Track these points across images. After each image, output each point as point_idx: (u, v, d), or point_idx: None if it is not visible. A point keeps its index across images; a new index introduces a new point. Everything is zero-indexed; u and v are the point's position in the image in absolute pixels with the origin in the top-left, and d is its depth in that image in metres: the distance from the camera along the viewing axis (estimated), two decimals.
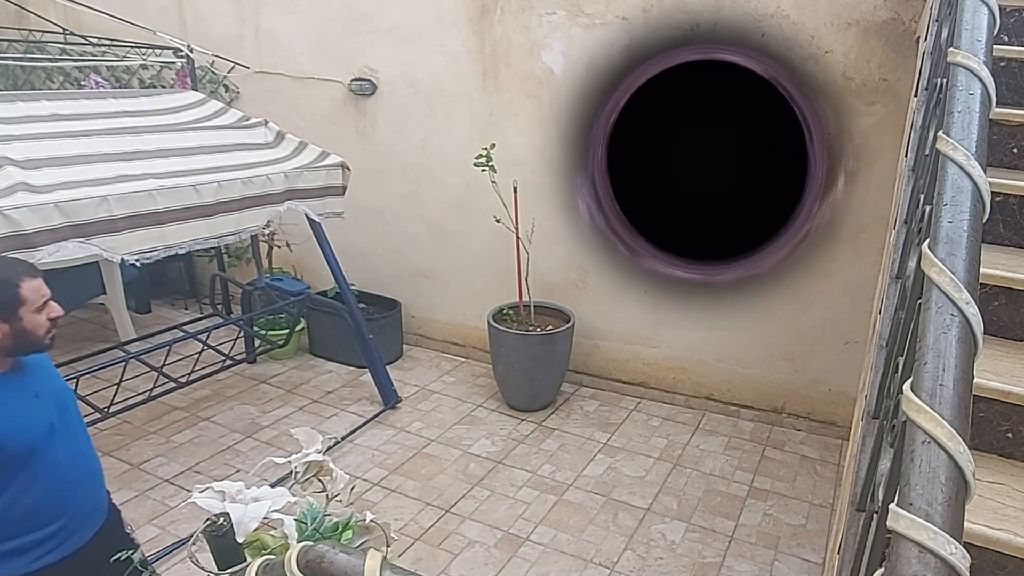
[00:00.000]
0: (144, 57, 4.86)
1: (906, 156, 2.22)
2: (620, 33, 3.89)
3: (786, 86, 3.66)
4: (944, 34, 1.83)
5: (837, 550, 1.53)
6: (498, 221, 4.14)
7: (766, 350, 4.08)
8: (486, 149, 3.92)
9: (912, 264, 1.33)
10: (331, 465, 1.25)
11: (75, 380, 3.17)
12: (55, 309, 1.74)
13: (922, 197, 1.60)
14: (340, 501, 1.24)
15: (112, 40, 4.99)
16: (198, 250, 4.08)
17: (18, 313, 1.66)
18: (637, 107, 4.05)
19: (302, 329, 4.82)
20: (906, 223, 1.86)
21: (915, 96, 2.41)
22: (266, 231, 4.22)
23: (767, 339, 4.06)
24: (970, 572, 0.71)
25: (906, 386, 0.88)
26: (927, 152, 1.73)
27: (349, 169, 3.87)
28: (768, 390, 4.14)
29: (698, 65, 3.83)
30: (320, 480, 1.25)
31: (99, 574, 1.77)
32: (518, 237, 4.18)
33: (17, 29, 5.63)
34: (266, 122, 3.84)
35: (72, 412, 1.87)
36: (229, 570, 1.10)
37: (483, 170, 3.90)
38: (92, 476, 1.90)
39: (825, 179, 3.71)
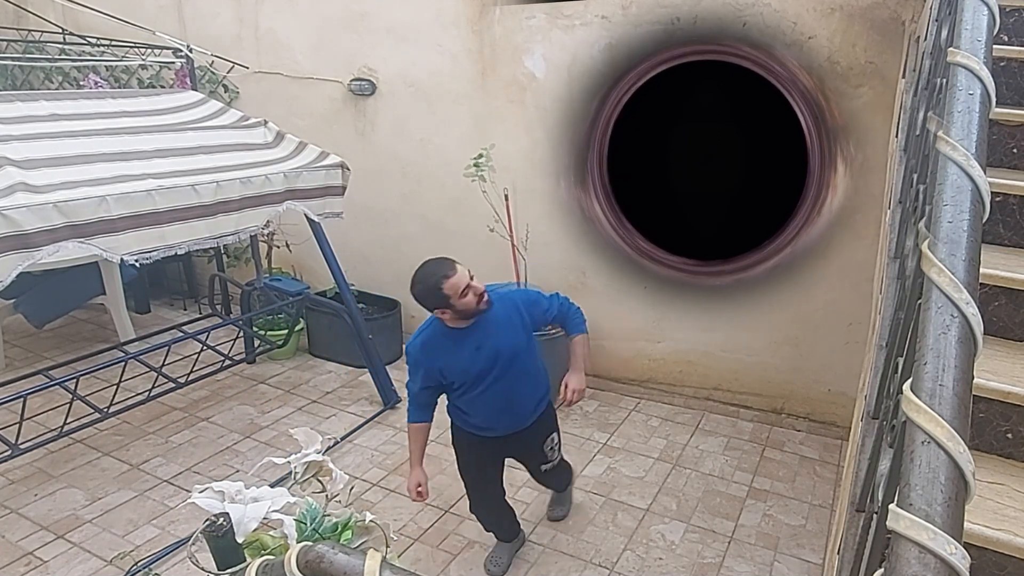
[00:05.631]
0: (143, 57, 4.86)
1: (897, 136, 2.22)
2: (601, 32, 3.89)
3: (773, 76, 3.66)
4: (944, 34, 1.83)
5: (837, 550, 1.53)
6: (491, 230, 4.14)
7: (770, 337, 4.07)
8: (476, 157, 3.89)
9: (909, 244, 1.33)
10: (330, 465, 1.25)
11: (75, 380, 3.18)
12: (477, 287, 2.36)
13: (915, 177, 1.60)
14: (339, 501, 1.24)
15: (111, 40, 4.99)
16: (197, 250, 4.09)
17: (450, 303, 2.32)
18: (631, 108, 4.05)
19: (301, 329, 4.82)
20: (901, 202, 1.86)
21: (903, 77, 2.41)
22: (265, 231, 4.22)
23: (771, 326, 4.05)
24: (970, 572, 0.71)
25: (906, 386, 0.88)
26: (918, 132, 1.73)
27: (349, 169, 3.86)
28: (775, 378, 4.13)
29: (688, 66, 3.83)
30: (319, 480, 1.25)
31: (520, 447, 2.76)
32: (513, 244, 4.17)
33: (16, 29, 5.62)
34: (265, 122, 3.84)
35: (506, 363, 2.49)
36: (229, 570, 1.10)
37: (473, 180, 3.87)
38: (518, 406, 2.61)
39: (822, 167, 3.71)
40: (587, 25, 3.91)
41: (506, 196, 4.10)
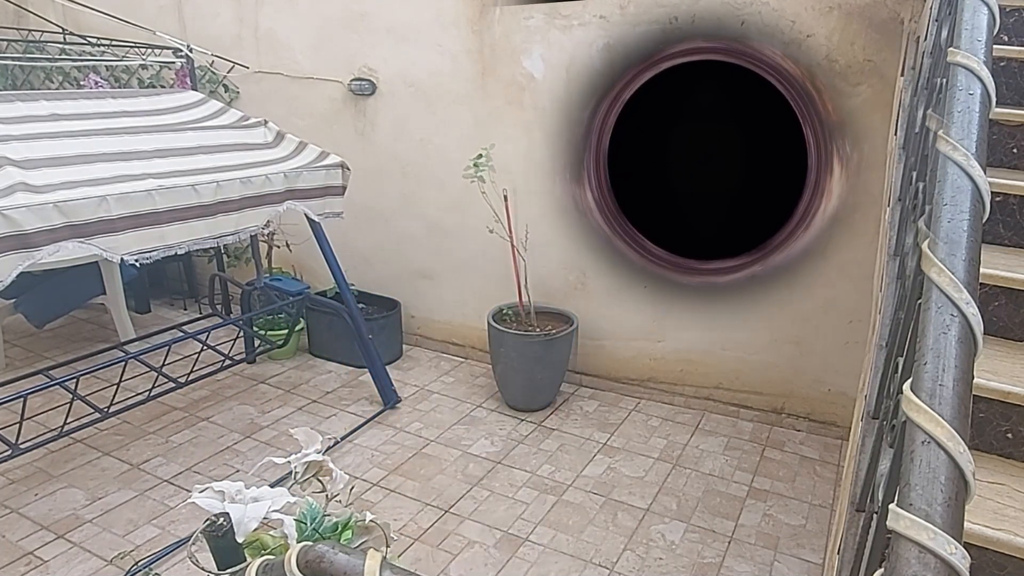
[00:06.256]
0: (143, 57, 4.86)
1: (896, 134, 2.22)
2: (599, 32, 3.89)
3: (771, 75, 3.66)
4: (944, 34, 1.83)
5: (837, 550, 1.53)
6: (491, 231, 4.14)
7: (771, 335, 4.07)
8: (475, 158, 3.89)
9: (909, 241, 1.33)
10: (330, 465, 1.25)
11: (75, 380, 3.18)
12: None
13: (914, 174, 1.60)
14: (339, 501, 1.24)
15: (111, 40, 4.99)
16: (197, 250, 4.09)
17: None
18: (630, 108, 4.05)
19: (301, 329, 4.82)
20: (900, 200, 1.87)
21: (901, 75, 2.42)
22: (266, 231, 4.22)
23: (771, 324, 4.04)
24: (970, 572, 0.71)
25: (906, 386, 0.89)
26: (917, 130, 1.73)
27: (349, 169, 3.86)
28: (776, 376, 4.12)
29: (687, 66, 3.83)
30: (320, 480, 1.25)
31: None
32: (513, 245, 4.17)
33: (16, 29, 5.62)
34: (266, 122, 3.84)
35: None
36: (229, 570, 1.10)
37: (472, 181, 3.88)
38: None
39: (819, 165, 3.72)
40: (585, 25, 3.91)
41: (505, 197, 4.10)
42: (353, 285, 4.65)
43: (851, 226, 3.71)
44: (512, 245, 4.18)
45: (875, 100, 3.48)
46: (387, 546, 1.18)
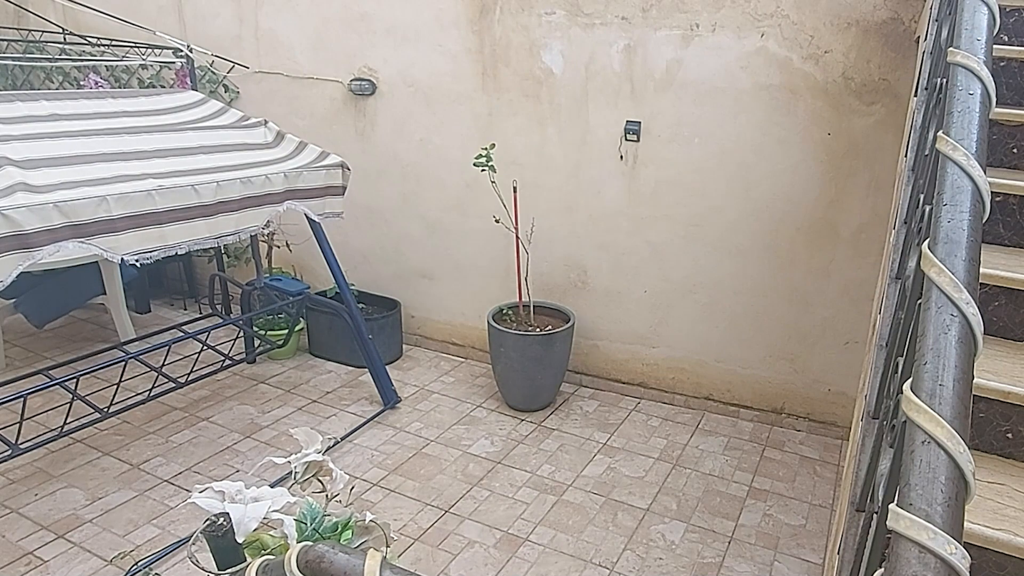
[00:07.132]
0: (143, 57, 4.86)
1: (906, 156, 2.22)
2: (620, 32, 3.90)
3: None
4: (944, 34, 1.83)
5: (837, 550, 1.53)
6: (497, 221, 4.15)
7: (766, 350, 4.08)
8: (486, 149, 3.93)
9: (912, 264, 1.33)
10: (331, 465, 1.25)
11: (75, 380, 3.18)
12: None
13: (922, 197, 1.60)
14: (340, 501, 1.24)
15: (111, 40, 4.99)
16: (197, 250, 4.08)
17: None
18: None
19: (301, 329, 4.82)
20: (906, 223, 1.86)
21: (915, 96, 2.42)
22: (266, 231, 4.22)
23: (767, 339, 4.06)
24: (970, 572, 0.71)
25: (906, 386, 0.89)
26: (927, 152, 1.73)
27: (349, 169, 3.87)
28: (768, 390, 4.14)
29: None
30: (320, 480, 1.25)
31: None
32: (518, 237, 4.19)
33: (16, 29, 5.62)
34: (266, 122, 3.84)
35: None
36: (229, 570, 1.10)
37: (483, 170, 3.91)
38: None
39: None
40: (607, 25, 3.91)
41: (515, 188, 4.10)
42: (353, 285, 4.65)
43: (856, 246, 3.71)
44: (517, 237, 4.18)
45: (888, 120, 3.48)
46: (387, 546, 1.18)
